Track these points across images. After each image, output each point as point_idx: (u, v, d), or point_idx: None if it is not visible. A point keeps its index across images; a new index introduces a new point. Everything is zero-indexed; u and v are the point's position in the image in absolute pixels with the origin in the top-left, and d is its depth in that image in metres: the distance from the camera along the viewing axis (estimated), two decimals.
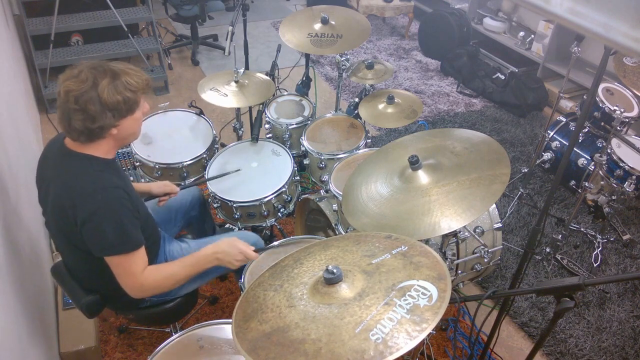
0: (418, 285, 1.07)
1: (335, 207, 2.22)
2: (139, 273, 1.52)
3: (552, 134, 3.08)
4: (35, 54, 3.58)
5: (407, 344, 0.95)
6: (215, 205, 2.32)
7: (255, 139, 2.49)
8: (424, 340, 1.12)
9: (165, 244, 1.88)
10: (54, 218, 1.52)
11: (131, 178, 2.48)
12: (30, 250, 2.08)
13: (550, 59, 4.16)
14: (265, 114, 2.75)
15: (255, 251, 1.69)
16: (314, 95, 3.58)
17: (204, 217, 2.28)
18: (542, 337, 1.37)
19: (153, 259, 1.78)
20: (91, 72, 1.42)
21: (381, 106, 2.52)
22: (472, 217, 1.40)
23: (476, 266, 2.17)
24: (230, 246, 1.65)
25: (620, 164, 2.64)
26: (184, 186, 2.17)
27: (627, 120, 2.72)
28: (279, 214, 2.32)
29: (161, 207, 2.04)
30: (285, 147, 2.52)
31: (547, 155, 3.11)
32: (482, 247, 2.10)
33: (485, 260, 2.11)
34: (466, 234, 2.03)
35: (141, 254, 1.53)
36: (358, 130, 2.64)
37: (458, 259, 2.08)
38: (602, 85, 2.88)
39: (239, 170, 2.34)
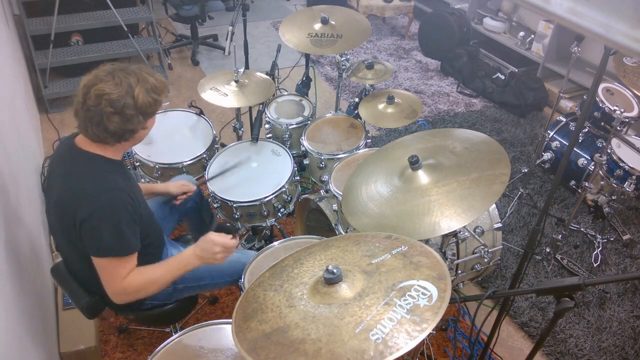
0: (418, 285, 1.07)
1: (335, 207, 2.22)
2: (123, 277, 1.51)
3: (552, 134, 3.08)
4: (35, 54, 3.58)
5: (407, 344, 0.95)
6: (215, 205, 2.32)
7: (255, 139, 2.49)
8: (424, 340, 1.12)
9: (168, 249, 1.88)
10: (56, 215, 1.52)
11: None
12: (30, 250, 2.08)
13: (550, 59, 4.16)
14: (265, 114, 2.75)
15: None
16: (314, 95, 3.59)
17: (201, 207, 2.28)
18: (542, 337, 1.37)
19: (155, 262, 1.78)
20: (124, 76, 1.45)
21: (381, 106, 2.52)
22: (472, 217, 1.40)
23: (476, 266, 2.17)
24: (205, 241, 1.61)
25: (620, 164, 2.64)
26: (201, 182, 2.22)
27: (627, 120, 2.72)
28: (279, 214, 2.32)
29: (156, 202, 2.04)
30: (285, 147, 2.52)
31: (547, 155, 3.11)
32: (482, 247, 2.10)
33: (485, 260, 2.11)
34: (466, 234, 2.03)
35: (132, 260, 1.53)
36: (358, 130, 2.64)
37: (458, 259, 2.08)
38: (602, 85, 2.88)
39: (240, 162, 2.36)
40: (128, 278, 1.52)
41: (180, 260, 1.62)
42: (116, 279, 1.50)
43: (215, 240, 1.61)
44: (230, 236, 1.65)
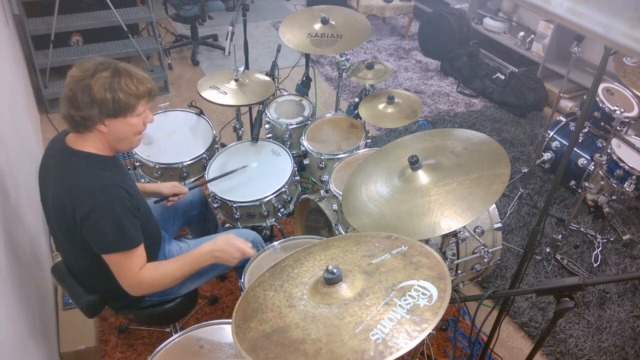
0: (418, 285, 1.07)
1: (335, 207, 2.22)
2: (136, 271, 1.52)
3: (552, 134, 3.08)
4: (35, 54, 3.58)
5: (407, 344, 0.95)
6: (215, 205, 2.32)
7: (255, 139, 2.49)
8: (424, 340, 1.12)
9: (165, 244, 1.88)
10: (54, 216, 1.52)
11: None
12: (30, 250, 2.08)
13: (550, 59, 4.16)
14: (265, 114, 2.75)
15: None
16: (314, 95, 3.58)
17: (205, 216, 2.28)
18: (542, 337, 1.37)
19: (153, 258, 1.78)
20: (95, 65, 1.44)
21: (381, 106, 2.52)
22: (472, 217, 1.40)
23: (476, 266, 2.17)
24: (227, 243, 1.65)
25: (620, 164, 2.64)
26: (193, 186, 2.17)
27: (627, 120, 2.72)
28: (279, 214, 2.32)
29: (161, 205, 2.04)
30: (285, 147, 2.52)
31: (547, 155, 3.11)
32: (482, 247, 2.10)
33: (485, 260, 2.11)
34: (466, 234, 2.02)
35: (140, 252, 1.54)
36: (358, 130, 2.64)
37: (458, 259, 2.08)
38: (602, 85, 2.88)
39: (245, 167, 2.34)
40: (142, 271, 1.53)
41: (197, 255, 1.63)
42: (128, 273, 1.51)
43: (238, 246, 1.65)
44: (250, 245, 1.68)
